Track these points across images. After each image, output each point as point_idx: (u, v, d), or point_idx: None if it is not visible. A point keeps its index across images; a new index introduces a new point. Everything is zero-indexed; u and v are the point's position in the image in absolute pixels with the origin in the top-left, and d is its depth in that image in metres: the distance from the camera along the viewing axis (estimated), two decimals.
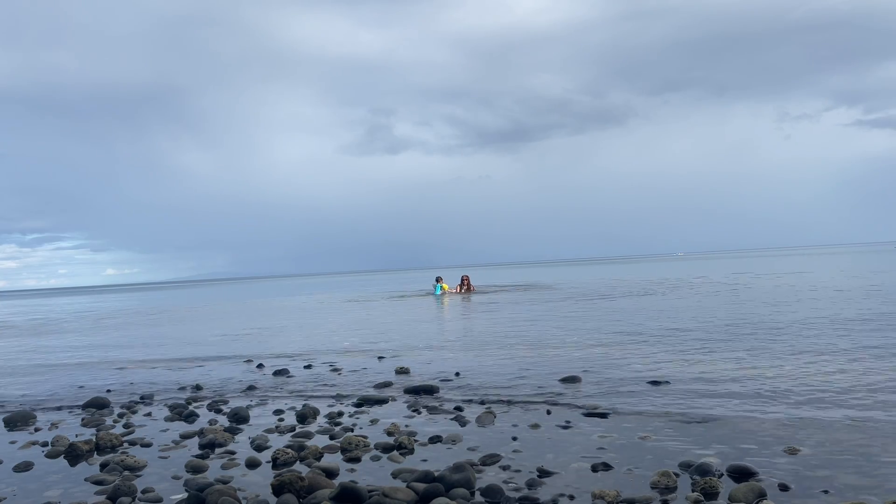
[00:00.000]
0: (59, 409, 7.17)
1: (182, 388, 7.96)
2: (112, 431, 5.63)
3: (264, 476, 4.33)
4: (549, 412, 5.73)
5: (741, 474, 3.93)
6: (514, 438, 4.96)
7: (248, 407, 6.56)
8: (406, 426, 5.52)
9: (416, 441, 4.98)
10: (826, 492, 3.62)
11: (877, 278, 22.72)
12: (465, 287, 27.08)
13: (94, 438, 5.34)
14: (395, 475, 4.24)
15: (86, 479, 4.46)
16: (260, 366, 9.51)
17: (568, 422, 5.39)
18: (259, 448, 5.03)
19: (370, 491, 3.80)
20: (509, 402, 6.16)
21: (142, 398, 7.42)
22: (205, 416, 6.38)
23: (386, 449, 4.84)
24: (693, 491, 3.69)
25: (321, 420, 5.92)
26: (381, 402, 6.58)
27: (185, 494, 4.03)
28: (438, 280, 27.04)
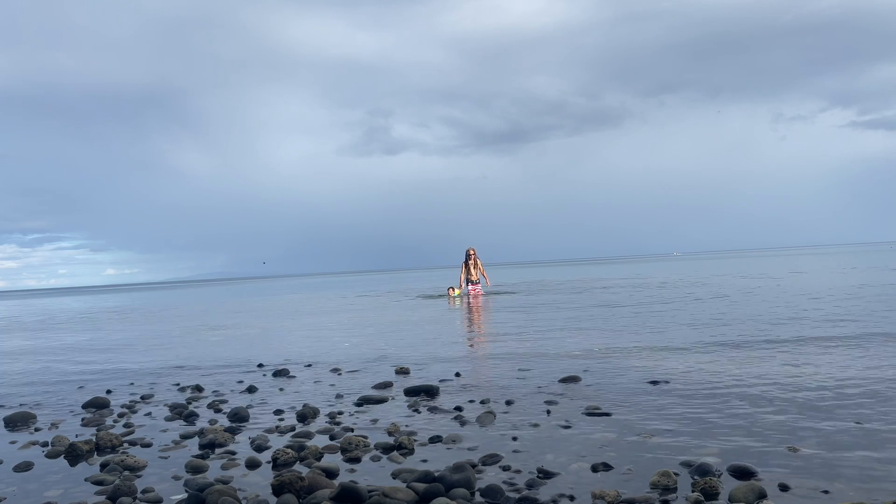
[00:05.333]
0: (59, 409, 7.16)
1: (182, 389, 7.96)
2: (112, 431, 5.62)
3: (264, 476, 4.33)
4: (549, 412, 5.73)
5: (741, 474, 3.92)
6: (514, 438, 4.96)
7: (248, 407, 6.56)
8: (406, 426, 5.51)
9: (416, 441, 4.98)
10: (826, 492, 3.62)
11: (883, 276, 22.73)
12: (475, 266, 23.89)
13: (94, 438, 5.34)
14: (395, 475, 4.24)
15: (86, 479, 4.46)
16: (260, 365, 9.51)
17: (568, 422, 5.38)
18: (259, 448, 5.02)
19: (370, 491, 3.80)
20: (509, 402, 6.16)
21: (142, 398, 7.42)
22: (205, 416, 6.38)
23: (386, 449, 4.83)
24: (693, 491, 3.68)
25: (321, 420, 5.92)
26: (381, 402, 6.58)
27: (185, 494, 4.02)
28: (451, 290, 24.78)
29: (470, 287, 24.34)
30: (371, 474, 4.30)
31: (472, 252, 24.21)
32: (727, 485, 3.75)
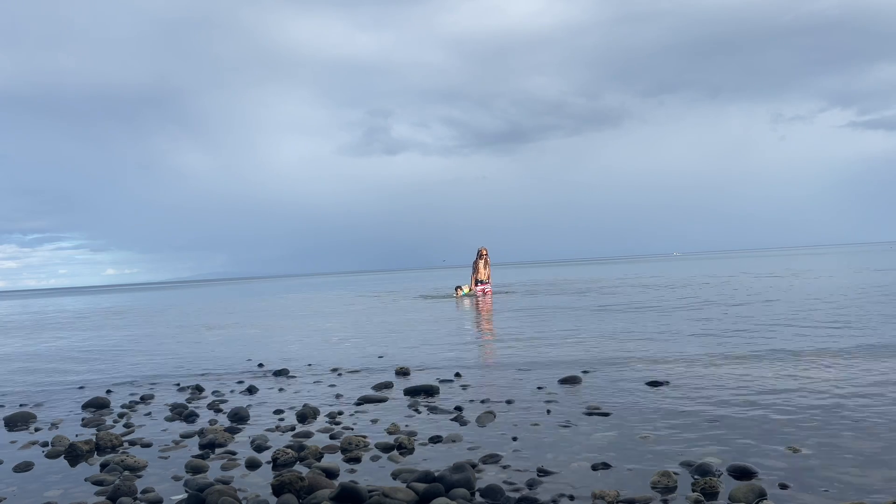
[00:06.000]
0: (59, 409, 7.16)
1: (182, 389, 7.96)
2: (112, 431, 5.63)
3: (264, 476, 4.33)
4: (549, 412, 5.73)
5: (741, 474, 3.92)
6: (514, 438, 4.96)
7: (248, 407, 6.56)
8: (406, 426, 5.51)
9: (416, 441, 4.98)
10: (826, 491, 3.62)
11: (886, 277, 22.72)
12: (484, 263, 23.26)
13: (94, 438, 5.34)
14: (395, 475, 4.24)
15: (86, 480, 4.46)
16: (260, 365, 9.51)
17: (568, 422, 5.38)
18: (259, 448, 5.02)
19: (370, 491, 3.80)
20: (509, 402, 6.16)
21: (142, 398, 7.41)
22: (205, 416, 6.38)
23: (386, 449, 4.84)
24: (693, 491, 3.69)
25: (321, 420, 5.92)
26: (381, 401, 6.58)
27: (185, 495, 4.02)
28: (459, 289, 24.28)
29: (479, 287, 23.70)
30: (371, 474, 4.30)
31: (484, 251, 23.48)
32: (727, 485, 3.75)
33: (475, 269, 23.90)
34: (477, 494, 3.80)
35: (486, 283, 24.01)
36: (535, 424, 5.33)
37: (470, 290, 24.09)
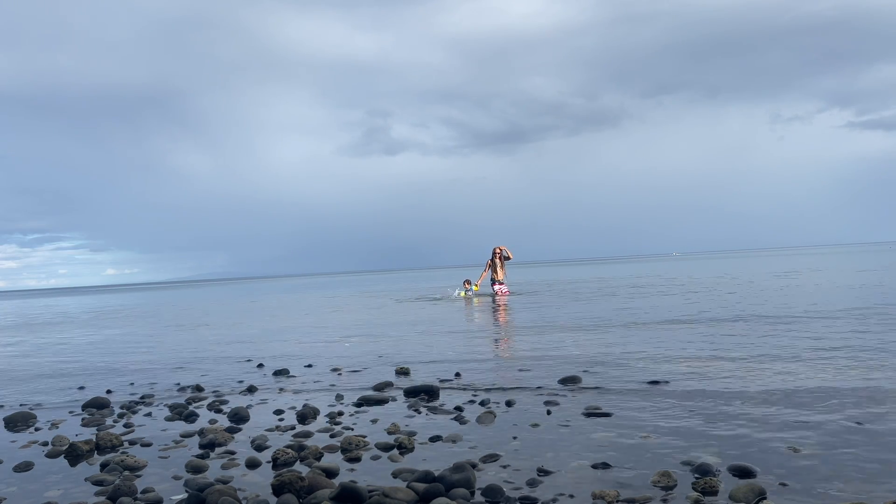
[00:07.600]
0: (59, 409, 7.16)
1: (182, 389, 7.96)
2: (112, 431, 5.63)
3: (264, 476, 4.33)
4: (549, 412, 5.73)
5: (741, 473, 3.93)
6: (515, 438, 4.96)
7: (248, 407, 6.56)
8: (406, 426, 5.51)
9: (416, 441, 4.98)
10: (826, 491, 3.62)
11: (885, 277, 22.71)
12: (499, 260, 22.87)
13: (94, 438, 5.34)
14: (395, 475, 4.24)
15: (86, 479, 4.46)
16: (260, 366, 9.51)
17: (568, 421, 5.39)
18: (259, 448, 5.02)
19: (370, 491, 3.80)
20: (509, 403, 6.16)
21: (142, 398, 7.41)
22: (205, 416, 6.38)
23: (386, 448, 4.84)
24: (693, 490, 3.69)
25: (321, 420, 5.92)
26: (381, 402, 6.58)
27: (185, 494, 4.02)
28: (467, 283, 24.14)
29: (496, 287, 23.24)
30: (371, 474, 4.30)
31: (499, 250, 23.14)
32: (727, 484, 3.75)
33: (488, 269, 23.50)
34: (477, 494, 3.81)
35: (503, 283, 23.55)
36: (535, 424, 5.33)
37: (477, 287, 23.86)
